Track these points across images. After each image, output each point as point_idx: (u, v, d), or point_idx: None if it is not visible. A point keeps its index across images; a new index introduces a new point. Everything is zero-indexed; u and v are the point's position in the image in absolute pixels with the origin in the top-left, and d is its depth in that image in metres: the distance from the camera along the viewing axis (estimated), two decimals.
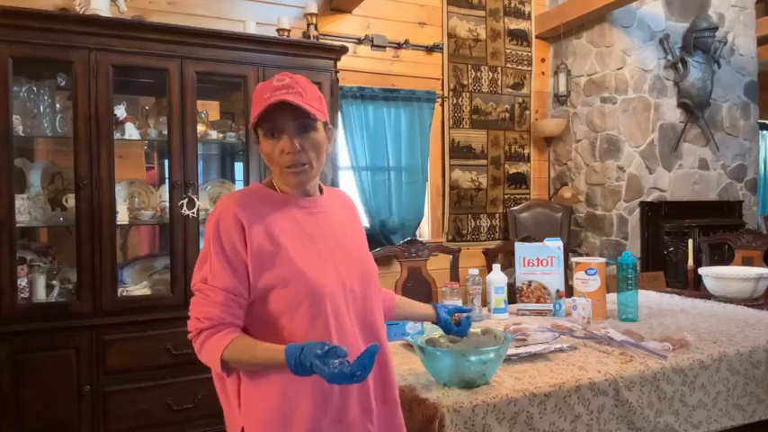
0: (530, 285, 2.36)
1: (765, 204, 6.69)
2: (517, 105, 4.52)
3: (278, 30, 3.45)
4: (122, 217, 2.69)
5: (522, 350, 1.74)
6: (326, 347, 1.07)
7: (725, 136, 4.82)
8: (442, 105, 4.23)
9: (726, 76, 4.79)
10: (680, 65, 4.50)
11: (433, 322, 1.60)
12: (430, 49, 4.17)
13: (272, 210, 1.26)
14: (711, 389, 1.76)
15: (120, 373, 2.57)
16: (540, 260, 2.36)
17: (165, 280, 2.81)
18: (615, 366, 1.65)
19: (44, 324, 2.45)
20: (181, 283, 2.69)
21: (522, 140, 4.56)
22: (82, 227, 2.53)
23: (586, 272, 2.28)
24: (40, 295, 2.57)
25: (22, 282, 2.50)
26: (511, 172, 4.52)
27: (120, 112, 2.68)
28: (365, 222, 3.83)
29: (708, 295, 2.82)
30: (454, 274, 3.21)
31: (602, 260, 2.33)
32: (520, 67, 4.53)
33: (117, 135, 2.66)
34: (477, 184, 4.37)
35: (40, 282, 2.57)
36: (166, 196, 2.76)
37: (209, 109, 3.14)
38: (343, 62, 3.31)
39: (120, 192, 2.77)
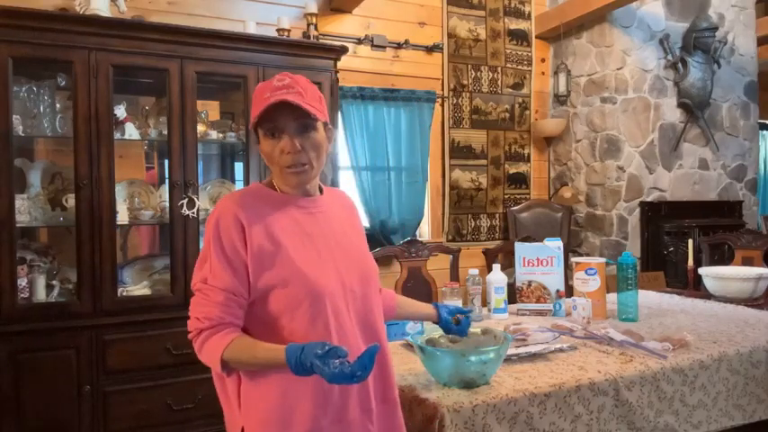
0: (530, 285, 2.36)
1: (765, 204, 6.70)
2: (517, 105, 4.52)
3: (278, 30, 3.45)
4: (122, 217, 2.69)
5: (522, 350, 1.74)
6: (327, 348, 1.07)
7: (725, 136, 4.82)
8: (442, 105, 4.23)
9: (726, 76, 4.79)
10: (680, 65, 4.50)
11: (434, 322, 1.60)
12: (430, 49, 4.17)
13: (272, 210, 1.26)
14: (711, 389, 1.76)
15: (120, 373, 2.57)
16: (540, 260, 2.36)
17: (165, 280, 2.81)
18: (615, 366, 1.65)
19: (44, 324, 2.45)
20: (181, 283, 2.69)
21: (522, 140, 4.56)
22: (82, 227, 2.53)
23: (586, 272, 2.28)
24: (40, 295, 2.57)
25: (22, 282, 2.50)
26: (511, 172, 4.52)
27: (120, 112, 2.68)
28: (365, 222, 3.83)
29: (708, 295, 2.82)
30: (454, 274, 3.21)
31: (602, 260, 2.33)
32: (520, 67, 4.53)
33: (117, 135, 2.66)
34: (477, 184, 4.37)
35: (40, 282, 2.57)
36: (166, 196, 2.76)
37: (209, 109, 3.14)
38: (343, 62, 3.31)
39: (120, 192, 2.77)
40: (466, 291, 2.33)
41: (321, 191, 1.38)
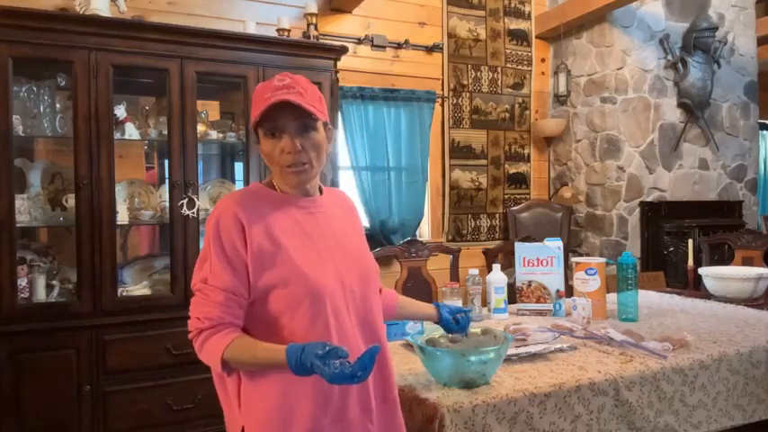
0: (530, 285, 2.36)
1: (765, 204, 6.70)
2: (517, 105, 4.52)
3: (278, 30, 3.45)
4: (122, 217, 2.69)
5: (522, 350, 1.74)
6: (327, 348, 1.07)
7: (725, 136, 4.82)
8: (442, 105, 4.23)
9: (726, 76, 4.79)
10: (680, 65, 4.50)
11: (435, 322, 1.60)
12: (430, 49, 4.17)
13: (272, 209, 1.26)
14: (711, 389, 1.76)
15: (120, 373, 2.57)
16: (540, 260, 2.36)
17: (165, 280, 2.81)
18: (615, 366, 1.65)
19: (44, 324, 2.45)
20: (181, 283, 2.69)
21: (522, 140, 4.56)
22: (82, 227, 2.53)
23: (586, 272, 2.28)
24: (40, 295, 2.57)
25: (22, 282, 2.50)
26: (511, 172, 4.52)
27: (120, 112, 2.68)
28: (365, 222, 3.83)
29: (708, 295, 2.82)
30: (454, 274, 3.21)
31: (602, 260, 2.33)
32: (520, 67, 4.53)
33: (117, 135, 2.66)
34: (477, 184, 4.37)
35: (40, 282, 2.57)
36: (166, 196, 2.76)
37: (209, 109, 3.14)
38: (343, 62, 3.31)
39: (120, 192, 2.77)
40: (466, 291, 2.33)
41: (321, 191, 1.38)
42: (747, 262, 3.33)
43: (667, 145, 4.50)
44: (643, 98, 4.39)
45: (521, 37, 4.54)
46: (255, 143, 1.32)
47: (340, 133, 3.75)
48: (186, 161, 2.74)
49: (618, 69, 4.28)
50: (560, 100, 4.52)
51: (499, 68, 4.44)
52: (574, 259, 2.42)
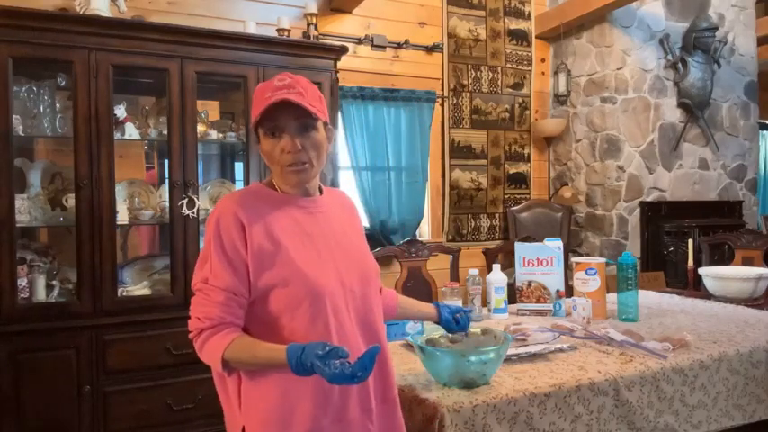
0: (530, 285, 2.36)
1: (765, 204, 6.70)
2: (517, 105, 4.52)
3: (278, 30, 3.45)
4: (122, 217, 2.69)
5: (522, 350, 1.74)
6: (328, 348, 1.07)
7: (725, 136, 4.82)
8: (442, 105, 4.23)
9: (726, 76, 4.79)
10: (680, 65, 4.50)
11: (435, 322, 1.60)
12: (430, 49, 4.17)
13: (272, 209, 1.26)
14: (711, 389, 1.76)
15: (120, 373, 2.57)
16: (540, 260, 2.36)
17: (165, 280, 2.81)
18: (615, 366, 1.65)
19: (44, 324, 2.45)
20: (181, 283, 2.69)
21: (522, 140, 4.56)
22: (82, 227, 2.53)
23: (586, 272, 2.28)
24: (40, 295, 2.56)
25: (22, 282, 2.50)
26: (511, 172, 4.52)
27: (120, 112, 2.68)
28: (365, 222, 3.83)
29: (708, 295, 2.82)
30: (454, 274, 3.21)
31: (602, 260, 2.33)
32: (520, 67, 4.53)
33: (117, 135, 2.66)
34: (477, 184, 4.37)
35: (40, 282, 2.57)
36: (166, 196, 2.76)
37: (209, 109, 3.14)
38: (343, 62, 3.31)
39: (120, 192, 2.77)
40: (466, 291, 2.33)
41: (321, 191, 1.38)
42: (747, 262, 3.33)
43: (667, 145, 4.50)
44: (643, 98, 4.39)
45: (521, 37, 4.54)
46: (256, 143, 1.32)
47: (340, 133, 3.75)
48: (186, 161, 2.74)
49: (618, 69, 4.28)
50: (560, 100, 4.52)
51: (499, 68, 4.44)
52: (574, 259, 2.42)
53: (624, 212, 4.33)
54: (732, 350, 1.82)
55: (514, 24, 4.50)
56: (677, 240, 4.27)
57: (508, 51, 4.48)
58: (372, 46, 3.96)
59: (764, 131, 6.82)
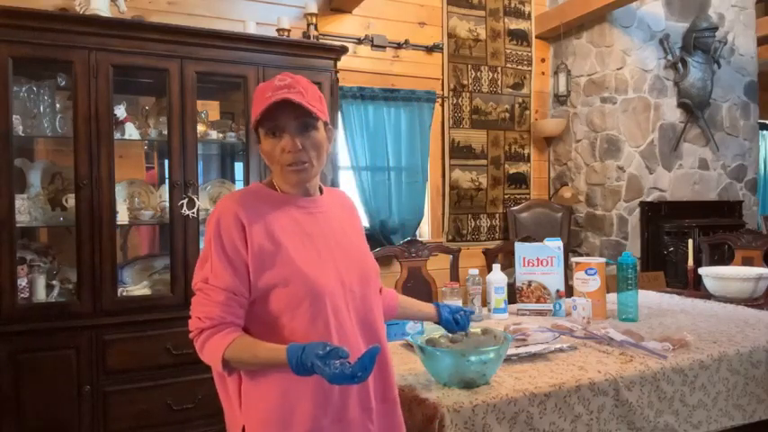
0: (530, 285, 2.36)
1: (765, 204, 6.70)
2: (517, 105, 4.52)
3: (278, 30, 3.45)
4: (122, 217, 2.69)
5: (522, 350, 1.74)
6: (328, 348, 1.07)
7: (725, 136, 4.82)
8: (442, 105, 4.23)
9: (726, 76, 4.79)
10: (680, 65, 4.50)
11: (435, 322, 1.60)
12: (430, 49, 4.17)
13: (273, 209, 1.26)
14: (711, 389, 1.76)
15: (120, 373, 2.57)
16: (540, 260, 2.36)
17: (165, 280, 2.81)
18: (615, 366, 1.65)
19: (44, 324, 2.45)
20: (181, 283, 2.69)
21: (522, 140, 4.56)
22: (82, 227, 2.53)
23: (586, 272, 2.28)
24: (40, 295, 2.56)
25: (22, 282, 2.50)
26: (511, 172, 4.52)
27: (120, 112, 2.68)
28: (365, 222, 3.83)
29: (708, 295, 2.82)
30: (454, 274, 3.21)
31: (602, 260, 2.33)
32: (520, 67, 4.53)
33: (117, 135, 2.66)
34: (477, 184, 4.37)
35: (40, 282, 2.57)
36: (166, 196, 2.76)
37: (209, 109, 3.14)
38: (343, 62, 3.31)
39: (120, 192, 2.77)
40: (466, 291, 2.33)
41: (321, 191, 1.38)
42: (747, 262, 3.33)
43: (667, 145, 4.50)
44: (643, 98, 4.39)
45: (521, 37, 4.54)
46: (256, 143, 1.32)
47: (340, 133, 3.75)
48: (186, 161, 2.74)
49: (618, 69, 4.28)
50: (560, 100, 4.52)
51: (499, 68, 4.44)
52: (574, 259, 2.42)
53: (624, 212, 4.33)
54: (732, 350, 1.82)
55: (514, 24, 4.50)
56: (677, 240, 4.27)
57: (508, 51, 4.48)
58: (372, 46, 3.96)
59: (764, 131, 6.82)
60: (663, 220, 4.40)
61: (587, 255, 4.38)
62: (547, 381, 1.53)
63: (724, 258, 3.87)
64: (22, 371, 2.41)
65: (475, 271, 2.34)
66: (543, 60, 4.66)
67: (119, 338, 2.57)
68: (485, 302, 2.36)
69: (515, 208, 4.45)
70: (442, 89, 4.22)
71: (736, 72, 4.89)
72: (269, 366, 1.18)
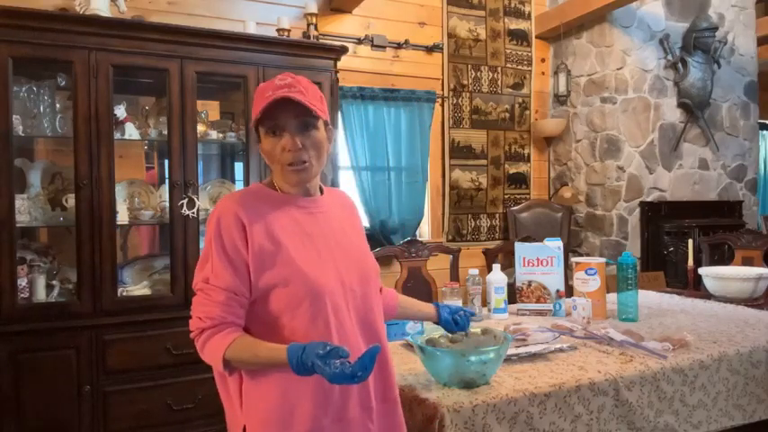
0: (530, 285, 2.36)
1: (765, 204, 6.70)
2: (517, 105, 4.52)
3: (278, 30, 3.45)
4: (122, 217, 2.69)
5: (522, 350, 1.74)
6: (328, 348, 1.07)
7: (725, 136, 4.82)
8: (442, 105, 4.23)
9: (726, 76, 4.79)
10: (680, 65, 4.50)
11: (434, 322, 1.60)
12: (430, 49, 4.17)
13: (273, 209, 1.26)
14: (711, 389, 1.76)
15: (120, 373, 2.57)
16: (540, 260, 2.36)
17: (165, 280, 2.81)
18: (615, 366, 1.65)
19: (44, 324, 2.45)
20: (181, 283, 2.69)
21: (522, 140, 4.56)
22: (82, 227, 2.53)
23: (586, 272, 2.28)
24: (40, 295, 2.56)
25: (22, 282, 2.50)
26: (511, 172, 4.52)
27: (120, 112, 2.68)
28: (365, 222, 3.83)
29: (708, 295, 2.82)
30: (454, 274, 3.21)
31: (602, 260, 2.33)
32: (520, 67, 4.53)
33: (117, 135, 2.66)
34: (477, 184, 4.37)
35: (40, 282, 2.57)
36: (166, 196, 2.76)
37: (209, 109, 3.14)
38: (343, 62, 3.31)
39: (120, 192, 2.77)
40: (466, 291, 2.33)
41: (321, 191, 1.38)
42: (747, 262, 3.33)
43: (667, 145, 4.50)
44: (643, 98, 4.39)
45: (521, 37, 4.54)
46: (256, 142, 1.32)
47: (340, 133, 3.75)
48: (186, 161, 2.74)
49: (618, 69, 4.28)
50: (560, 100, 4.52)
51: (499, 68, 4.44)
52: (574, 259, 2.42)
53: (624, 212, 4.33)
54: (732, 350, 1.82)
55: (514, 24, 4.50)
56: (677, 240, 4.27)
57: (508, 51, 4.48)
58: (372, 46, 3.96)
59: (764, 131, 6.82)
60: (663, 220, 4.40)
61: (587, 255, 4.38)
62: (547, 381, 1.53)
63: (724, 258, 3.87)
64: (22, 371, 2.41)
65: (475, 271, 2.34)
66: (543, 60, 4.66)
67: (119, 338, 2.57)
68: (485, 302, 2.36)
69: (515, 208, 4.45)
70: (442, 89, 4.22)
71: (736, 72, 4.89)
72: (269, 366, 1.18)
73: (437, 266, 3.39)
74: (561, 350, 1.79)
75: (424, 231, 4.28)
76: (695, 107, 4.54)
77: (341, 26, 3.87)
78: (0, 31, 2.38)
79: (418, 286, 3.05)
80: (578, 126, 4.49)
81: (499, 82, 4.43)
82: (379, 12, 3.99)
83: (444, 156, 4.26)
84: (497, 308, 2.32)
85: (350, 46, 3.72)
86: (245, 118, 2.92)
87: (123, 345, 2.58)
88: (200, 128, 2.86)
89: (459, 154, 4.30)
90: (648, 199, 4.40)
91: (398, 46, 4.04)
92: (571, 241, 4.46)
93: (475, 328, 1.63)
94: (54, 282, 2.64)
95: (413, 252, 3.12)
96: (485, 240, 4.38)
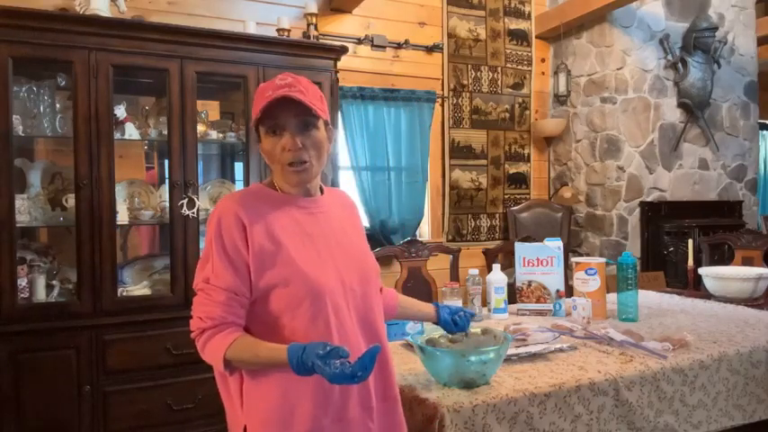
0: (530, 285, 2.36)
1: (765, 204, 6.70)
2: (517, 105, 4.52)
3: (278, 30, 3.45)
4: (122, 217, 2.69)
5: (522, 350, 1.74)
6: (328, 348, 1.07)
7: (725, 136, 4.82)
8: (442, 105, 4.23)
9: (726, 76, 4.79)
10: (680, 65, 4.50)
11: (434, 322, 1.60)
12: (430, 49, 4.17)
13: (273, 209, 1.26)
14: (711, 389, 1.76)
15: (120, 373, 2.57)
16: (540, 260, 2.36)
17: (165, 280, 2.81)
18: (615, 366, 1.65)
19: (44, 324, 2.45)
20: (181, 283, 2.69)
21: (522, 140, 4.56)
22: (82, 227, 2.53)
23: (586, 272, 2.28)
24: (40, 295, 2.56)
25: (22, 282, 2.50)
26: (511, 172, 4.52)
27: (120, 112, 2.68)
28: (365, 222, 3.83)
29: (708, 295, 2.82)
30: (454, 274, 3.21)
31: (602, 260, 2.33)
32: (520, 67, 4.53)
33: (117, 135, 2.66)
34: (477, 184, 4.37)
35: (40, 282, 2.57)
36: (166, 196, 2.76)
37: (209, 109, 3.14)
38: (343, 62, 3.31)
39: (120, 192, 2.77)
40: (466, 291, 2.33)
41: (322, 191, 1.38)
42: (747, 262, 3.33)
43: (667, 145, 4.50)
44: (643, 98, 4.39)
45: (521, 37, 4.54)
46: (257, 142, 1.32)
47: (340, 133, 3.75)
48: (186, 161, 2.73)
49: (618, 69, 4.28)
50: (560, 100, 4.52)
51: (499, 68, 4.44)
52: (574, 259, 2.42)
53: (624, 212, 4.33)
54: (732, 350, 1.82)
55: (514, 24, 4.50)
56: (677, 240, 4.27)
57: (508, 51, 4.48)
58: (372, 46, 3.96)
59: (764, 131, 6.82)
60: (663, 220, 4.40)
61: (587, 255, 4.38)
62: (547, 381, 1.53)
63: (724, 258, 3.87)
64: (22, 371, 2.41)
65: (475, 271, 2.34)
66: (543, 60, 4.66)
67: (119, 338, 2.57)
68: (485, 302, 2.36)
69: (515, 208, 4.45)
70: (442, 89, 4.22)
71: (736, 72, 4.89)
72: (270, 366, 1.18)
73: (437, 266, 3.39)
74: (561, 350, 1.79)
75: (424, 231, 4.28)
76: (695, 107, 4.54)
77: (341, 26, 3.87)
78: (0, 31, 2.38)
79: (418, 286, 3.05)
80: (578, 126, 4.49)
81: (499, 82, 4.43)
82: (379, 12, 3.99)
83: (444, 156, 4.26)
84: (497, 308, 2.32)
85: (350, 46, 3.72)
86: (245, 118, 2.92)
87: (123, 345, 2.58)
88: (201, 128, 2.86)
89: (459, 154, 4.30)
90: (648, 199, 4.40)
91: (398, 46, 4.04)
92: (571, 241, 4.46)
93: (475, 328, 1.63)
94: (54, 282, 2.64)
95: (413, 252, 3.12)
96: (485, 240, 4.38)
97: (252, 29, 3.25)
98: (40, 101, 2.60)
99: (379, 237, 3.89)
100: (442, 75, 4.23)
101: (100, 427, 2.53)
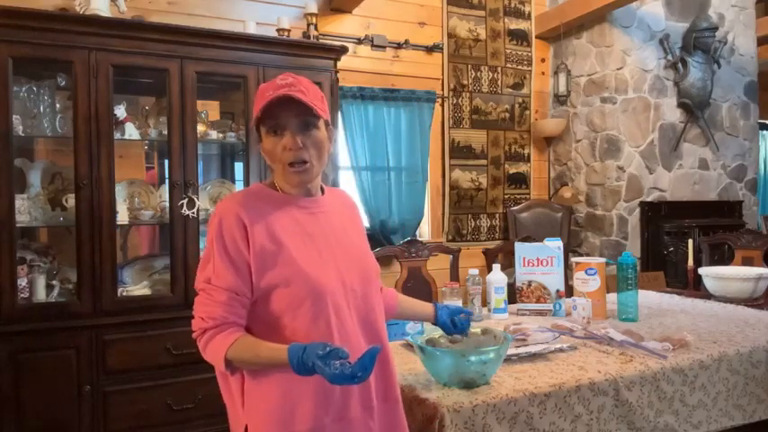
0: (530, 285, 2.37)
1: (765, 204, 6.70)
2: (517, 105, 4.52)
3: (278, 30, 3.45)
4: (122, 217, 2.69)
5: (522, 350, 1.74)
6: (328, 348, 1.08)
7: (725, 136, 4.82)
8: (442, 105, 4.23)
9: (726, 76, 4.79)
10: (680, 65, 4.51)
11: (432, 323, 1.60)
12: (430, 49, 4.17)
13: (274, 210, 1.27)
14: (711, 389, 1.76)
15: (120, 373, 2.57)
16: (540, 260, 2.36)
17: (165, 280, 2.81)
18: (615, 366, 1.65)
19: (44, 324, 2.45)
20: (181, 283, 2.69)
21: (522, 140, 4.56)
22: (82, 227, 2.53)
23: (586, 272, 2.28)
24: (40, 295, 2.56)
25: (22, 282, 2.50)
26: (511, 172, 4.52)
27: (120, 112, 2.68)
28: (365, 222, 3.82)
29: (708, 295, 2.82)
30: (454, 274, 3.21)
31: (602, 260, 2.33)
32: (520, 67, 4.53)
33: (117, 135, 2.66)
34: (477, 184, 4.37)
35: (40, 282, 2.57)
36: (166, 196, 2.76)
37: (209, 109, 3.14)
38: (343, 62, 3.31)
39: (120, 192, 2.77)
40: (466, 291, 2.33)
41: (322, 191, 1.38)
42: (747, 262, 3.33)
43: (667, 145, 4.50)
44: (643, 98, 4.39)
45: (521, 37, 4.54)
46: (257, 142, 1.32)
47: (340, 133, 3.75)
48: (186, 161, 2.73)
49: (618, 69, 4.28)
50: (560, 100, 4.52)
51: (499, 68, 4.44)
52: (574, 259, 2.42)
53: (624, 212, 4.33)
54: (732, 350, 1.82)
55: (514, 24, 4.50)
56: (677, 240, 4.27)
57: (508, 51, 4.48)
58: (372, 46, 3.96)
59: (764, 131, 6.82)
60: (663, 220, 4.40)
61: (587, 255, 4.38)
62: (547, 381, 1.53)
63: (724, 258, 3.87)
64: (22, 371, 2.41)
65: (475, 271, 2.34)
66: (543, 60, 4.66)
67: (119, 338, 2.57)
68: (485, 302, 2.36)
69: (515, 208, 4.45)
70: (442, 89, 4.22)
71: (736, 72, 4.89)
72: (271, 366, 1.18)
73: (437, 266, 3.39)
74: (561, 350, 1.79)
75: (424, 231, 4.28)
76: (695, 107, 4.54)
77: (341, 26, 3.87)
78: (0, 31, 2.38)
79: (418, 286, 3.05)
80: (578, 126, 4.49)
81: (499, 82, 4.43)
82: (379, 12, 3.99)
83: (444, 156, 4.26)
84: (497, 308, 2.32)
85: (350, 46, 3.72)
86: (245, 118, 2.92)
87: (123, 345, 2.58)
88: (201, 128, 2.86)
89: (459, 154, 4.30)
90: (648, 199, 4.40)
91: (398, 46, 4.04)
92: (571, 241, 4.46)
93: (475, 328, 1.63)
94: (54, 282, 2.64)
95: (413, 252, 3.12)
96: (485, 240, 4.38)
97: (252, 29, 3.25)
98: (40, 101, 2.60)
99: (379, 237, 3.89)
100: (442, 75, 4.23)
101: (100, 427, 2.53)
